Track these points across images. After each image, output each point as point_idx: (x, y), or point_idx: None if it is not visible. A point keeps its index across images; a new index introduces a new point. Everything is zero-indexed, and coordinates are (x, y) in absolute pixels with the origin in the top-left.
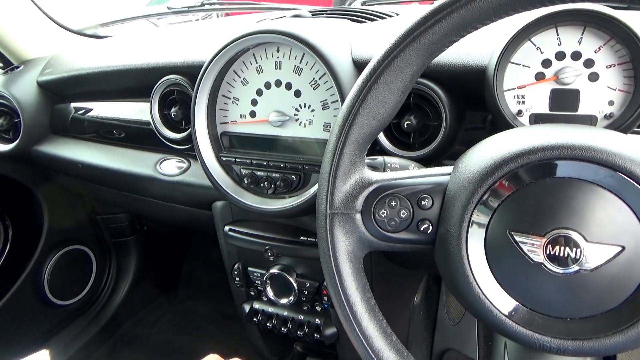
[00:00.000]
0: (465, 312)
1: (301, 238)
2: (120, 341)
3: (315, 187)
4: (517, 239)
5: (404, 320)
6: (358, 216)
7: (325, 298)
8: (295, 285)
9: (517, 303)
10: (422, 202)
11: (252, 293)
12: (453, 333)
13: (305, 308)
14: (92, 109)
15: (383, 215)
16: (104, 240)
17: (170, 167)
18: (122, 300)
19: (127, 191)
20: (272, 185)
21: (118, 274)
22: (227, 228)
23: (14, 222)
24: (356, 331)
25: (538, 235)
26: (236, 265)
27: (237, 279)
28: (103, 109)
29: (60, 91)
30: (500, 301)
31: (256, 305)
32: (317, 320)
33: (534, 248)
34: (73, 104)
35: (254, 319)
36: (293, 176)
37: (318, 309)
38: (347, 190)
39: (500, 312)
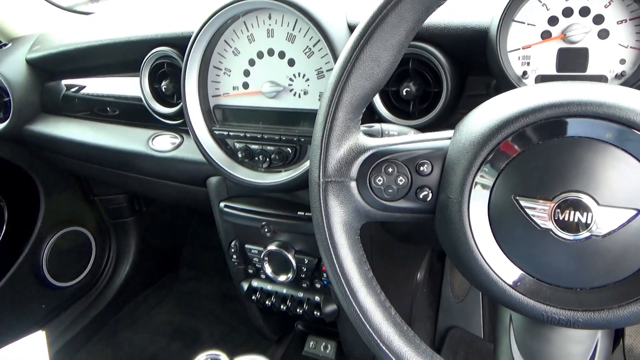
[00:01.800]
0: (469, 289)
1: (298, 213)
2: (122, 322)
3: None
4: (523, 204)
5: (407, 298)
6: (353, 184)
7: (325, 275)
8: (293, 262)
9: (523, 272)
10: (421, 168)
11: (250, 271)
12: (457, 310)
13: (305, 285)
14: (84, 86)
15: (379, 183)
16: (102, 222)
17: (163, 143)
18: (123, 282)
19: (120, 169)
20: (267, 159)
21: (118, 256)
22: (222, 204)
23: (10, 204)
24: (353, 305)
25: (545, 200)
26: (233, 243)
27: (235, 256)
28: (94, 86)
29: (49, 68)
30: (505, 271)
31: (254, 283)
32: (317, 298)
33: (541, 213)
34: (64, 82)
35: (253, 297)
36: (288, 149)
37: (317, 286)
38: (341, 156)
39: (504, 282)
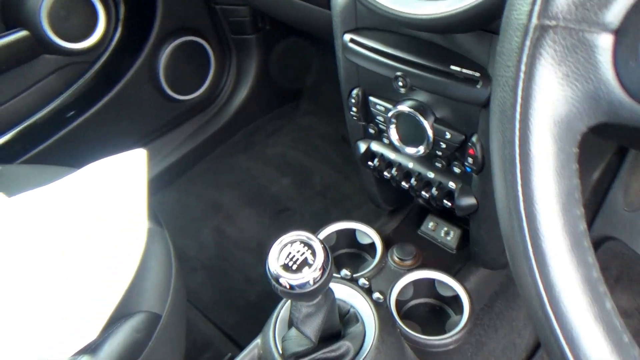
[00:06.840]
0: None
1: (452, 67)
2: (237, 146)
3: None
4: None
5: None
6: (605, 40)
7: (471, 160)
8: (430, 132)
9: None
10: None
11: (371, 130)
12: (623, 220)
13: (439, 165)
14: None
15: None
16: (223, 35)
17: None
18: (242, 103)
19: None
20: None
21: (238, 75)
22: (347, 37)
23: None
24: (536, 279)
25: None
26: (354, 91)
27: (354, 109)
28: None
29: None
30: None
31: (374, 147)
32: (451, 184)
33: None
34: None
35: (369, 163)
36: None
37: (456, 170)
38: None
39: None
